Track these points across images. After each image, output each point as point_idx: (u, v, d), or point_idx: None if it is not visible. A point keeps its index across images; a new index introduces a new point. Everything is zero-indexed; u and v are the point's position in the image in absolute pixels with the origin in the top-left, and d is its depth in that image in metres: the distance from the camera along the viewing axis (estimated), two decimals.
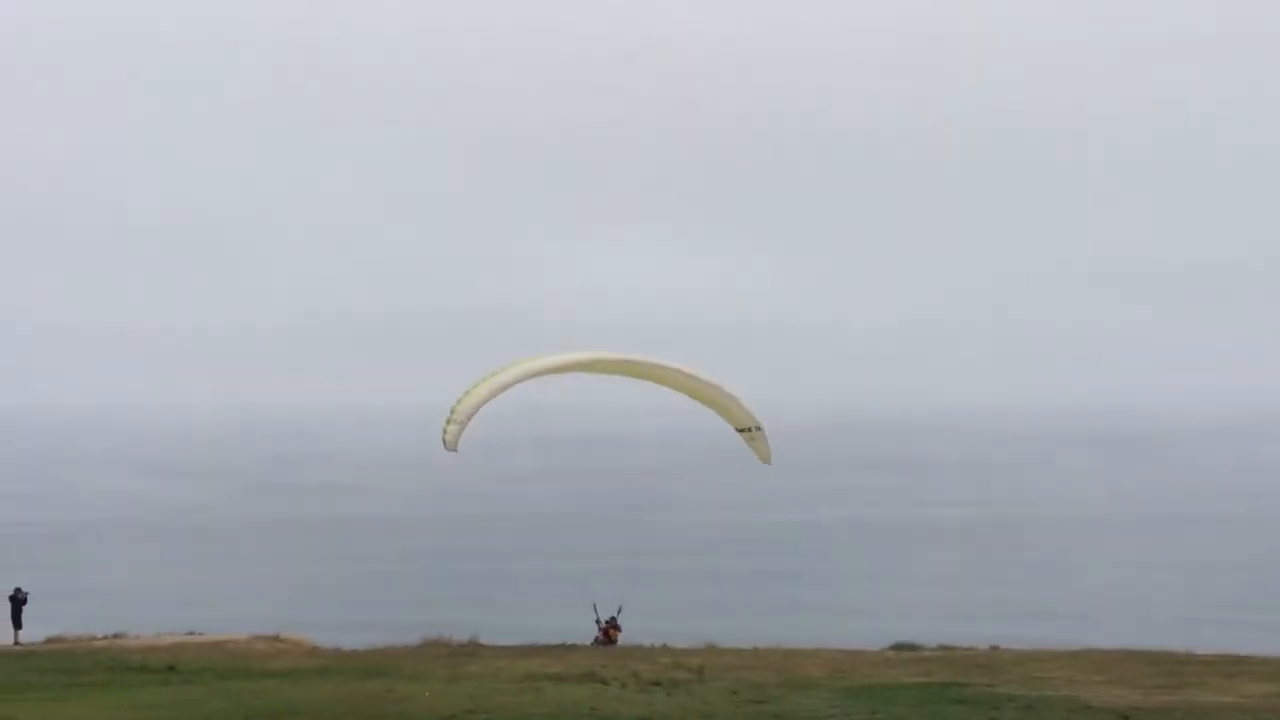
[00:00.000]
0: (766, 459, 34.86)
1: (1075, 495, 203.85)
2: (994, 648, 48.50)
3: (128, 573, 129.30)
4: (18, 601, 50.35)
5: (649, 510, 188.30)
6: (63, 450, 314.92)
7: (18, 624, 50.24)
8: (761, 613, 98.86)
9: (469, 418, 31.66)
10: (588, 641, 50.59)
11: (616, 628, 47.62)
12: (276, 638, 53.84)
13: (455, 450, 32.33)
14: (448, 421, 32.07)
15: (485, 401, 31.70)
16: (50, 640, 51.99)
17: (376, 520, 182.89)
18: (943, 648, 49.00)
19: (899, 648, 49.28)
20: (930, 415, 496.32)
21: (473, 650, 49.16)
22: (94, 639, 52.52)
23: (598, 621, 48.44)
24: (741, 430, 34.88)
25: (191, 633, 55.73)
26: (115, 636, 53.19)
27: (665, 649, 49.04)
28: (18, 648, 49.15)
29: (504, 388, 31.47)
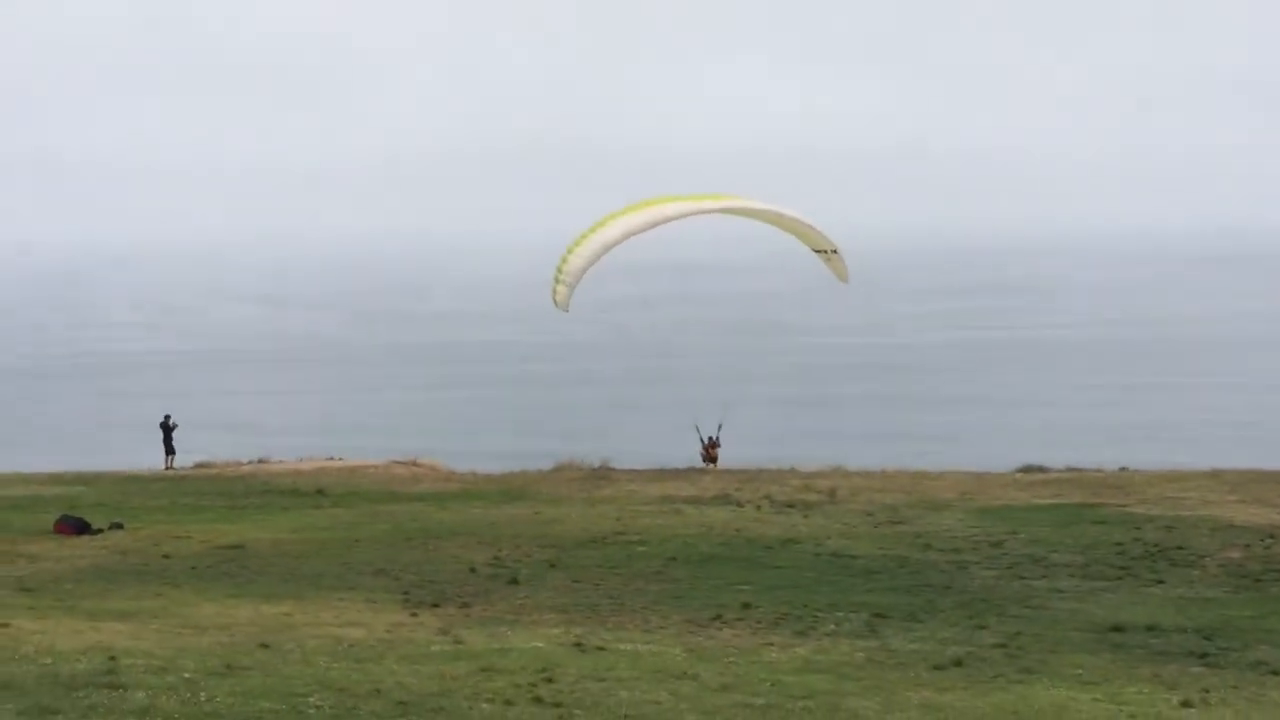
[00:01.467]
0: (844, 278, 35.12)
1: (1203, 315, 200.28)
2: (1123, 469, 48.41)
3: (254, 400, 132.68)
4: (168, 428, 52.15)
5: (756, 335, 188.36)
6: (185, 281, 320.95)
7: (170, 450, 52.08)
8: (882, 438, 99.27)
9: (578, 279, 31.93)
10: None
11: (717, 445, 48.10)
12: (413, 463, 55.30)
13: (567, 310, 32.68)
14: (556, 281, 32.33)
15: (592, 263, 31.93)
16: (199, 465, 53.95)
17: (497, 346, 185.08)
18: (1070, 469, 49.06)
19: (1026, 469, 49.35)
20: (1057, 237, 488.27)
21: (605, 474, 50.26)
22: (240, 464, 54.31)
23: (701, 441, 49.02)
24: (819, 252, 35.24)
25: (331, 458, 57.26)
26: (260, 462, 54.81)
27: (793, 472, 49.83)
28: (170, 472, 50.99)
29: (607, 248, 31.58)
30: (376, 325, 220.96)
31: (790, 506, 40.76)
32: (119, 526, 35.04)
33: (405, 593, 26.31)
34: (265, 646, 19.09)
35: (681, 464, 53.15)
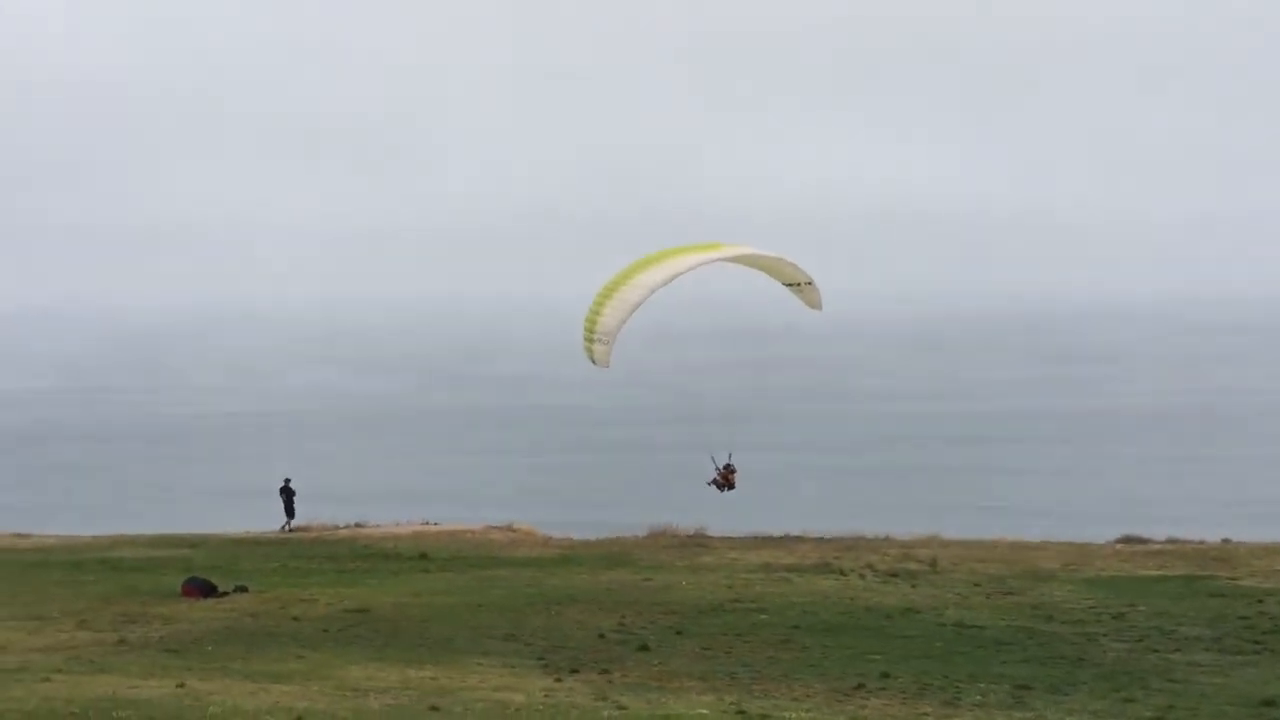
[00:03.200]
0: (818, 306, 35.27)
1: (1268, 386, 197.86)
2: (1226, 541, 48.03)
3: (331, 463, 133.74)
4: (290, 492, 53.04)
5: (831, 401, 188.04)
6: (261, 345, 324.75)
7: (291, 513, 52.95)
8: (961, 507, 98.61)
9: (614, 336, 31.71)
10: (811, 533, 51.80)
11: (733, 470, 47.10)
12: (509, 527, 55.68)
13: (609, 366, 32.44)
14: (590, 341, 32.07)
15: (624, 320, 31.80)
16: (295, 529, 54.56)
17: (568, 411, 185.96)
18: (1171, 540, 48.68)
19: (1127, 540, 49.09)
20: (1133, 303, 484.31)
21: (702, 541, 50.43)
22: (337, 528, 54.86)
23: (716, 468, 48.27)
24: (792, 285, 34.86)
25: (426, 522, 57.71)
26: (357, 525, 55.37)
27: (889, 540, 49.82)
28: (286, 534, 51.75)
29: (635, 306, 31.42)
30: (449, 389, 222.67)
31: (894, 576, 40.69)
32: (243, 589, 35.57)
33: (540, 658, 26.52)
34: (435, 710, 19.34)
35: (775, 531, 53.47)
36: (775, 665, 25.95)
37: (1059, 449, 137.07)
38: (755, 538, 51.30)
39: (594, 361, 31.75)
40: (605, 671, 24.96)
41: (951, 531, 54.17)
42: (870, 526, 56.82)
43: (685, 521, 55.43)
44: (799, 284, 34.52)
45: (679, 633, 29.65)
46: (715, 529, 53.92)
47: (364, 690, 21.14)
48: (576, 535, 53.80)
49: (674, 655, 26.99)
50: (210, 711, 17.88)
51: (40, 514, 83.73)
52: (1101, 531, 54.83)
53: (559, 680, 23.88)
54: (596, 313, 31.45)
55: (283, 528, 53.07)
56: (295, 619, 30.67)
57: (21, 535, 53.14)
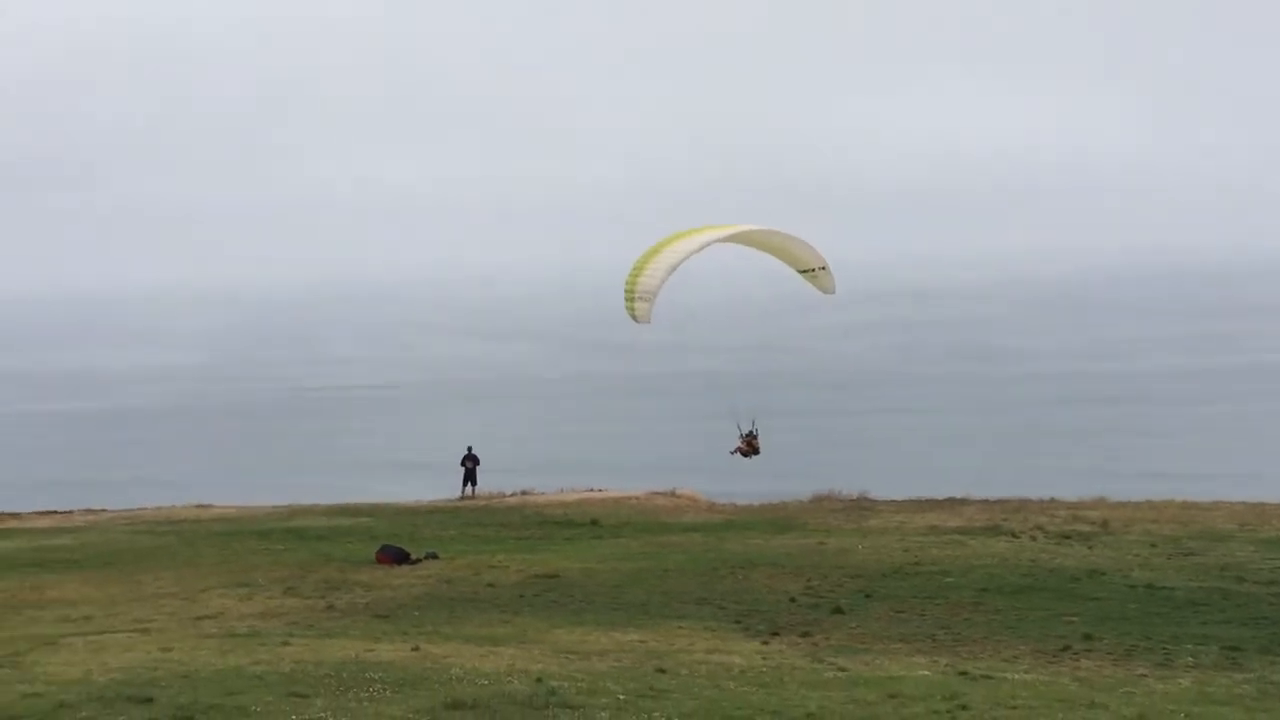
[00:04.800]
0: (831, 290, 36.13)
1: None
2: None
3: (483, 433, 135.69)
4: (474, 459, 54.35)
5: (978, 361, 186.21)
6: (395, 317, 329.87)
7: (473, 481, 54.23)
8: (1120, 472, 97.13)
9: (655, 296, 33.59)
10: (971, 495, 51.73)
11: (755, 437, 46.82)
12: (673, 493, 56.32)
13: (649, 322, 34.11)
14: (632, 299, 33.86)
15: (663, 282, 33.59)
16: (464, 498, 55.71)
17: (704, 376, 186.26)
18: None
19: None
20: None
21: (866, 505, 50.59)
22: (504, 495, 55.92)
23: (740, 434, 48.06)
24: (804, 271, 35.81)
25: (591, 489, 58.54)
26: (524, 493, 56.40)
27: (1054, 502, 49.54)
28: (466, 501, 53.05)
29: (672, 268, 33.41)
30: (583, 355, 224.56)
31: (1066, 538, 40.44)
32: (434, 556, 36.55)
33: (737, 621, 26.94)
34: (662, 671, 19.83)
35: (936, 494, 53.46)
36: (972, 627, 26.07)
37: (1212, 409, 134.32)
38: (918, 500, 51.44)
39: (635, 318, 33.89)
40: (807, 634, 25.28)
41: (1114, 493, 53.77)
42: (1023, 488, 56.64)
43: (842, 485, 55.76)
44: (813, 269, 35.64)
45: (868, 596, 29.89)
46: (877, 492, 54.17)
47: (582, 653, 21.68)
48: (739, 501, 54.35)
49: (869, 618, 27.24)
50: (453, 673, 18.50)
51: (203, 486, 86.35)
52: (1266, 492, 53.87)
53: (765, 643, 24.26)
54: (638, 273, 33.71)
55: (460, 496, 54.32)
56: (490, 585, 31.45)
57: (204, 506, 54.98)
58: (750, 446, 46.90)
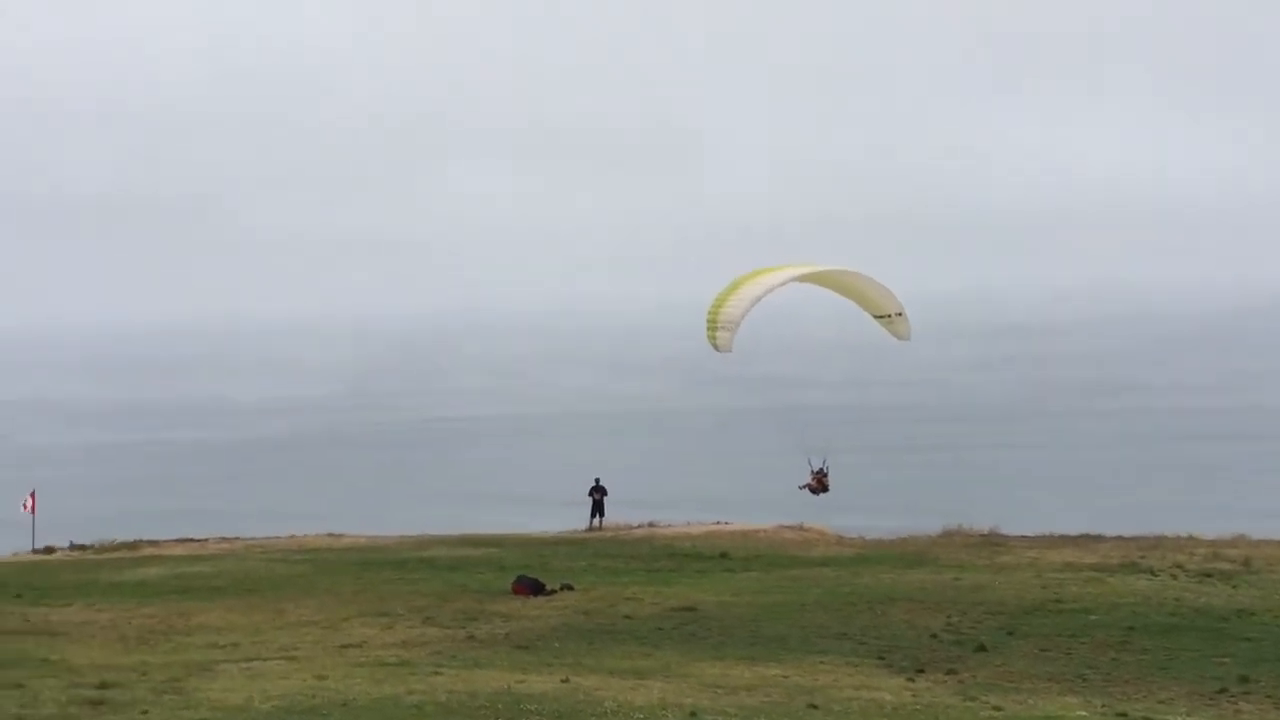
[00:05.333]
0: (907, 337, 36.99)
1: None
2: None
3: (606, 466, 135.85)
4: (602, 491, 54.56)
5: (1108, 395, 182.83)
6: (519, 348, 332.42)
7: (600, 513, 54.42)
8: (1245, 504, 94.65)
9: (737, 325, 34.67)
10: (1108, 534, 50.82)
11: (825, 474, 45.72)
12: (801, 527, 55.91)
13: (730, 350, 35.24)
14: (714, 329, 35.01)
15: (746, 313, 34.63)
16: (591, 529, 55.81)
17: (831, 411, 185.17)
18: None
19: None
20: None
21: (998, 541, 49.81)
22: (631, 527, 55.94)
23: (810, 470, 47.60)
24: (880, 317, 36.61)
25: (718, 522, 58.34)
26: (650, 525, 56.38)
27: (1193, 539, 48.40)
28: (593, 533, 53.22)
29: (756, 300, 34.49)
30: (708, 389, 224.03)
31: (1208, 576, 39.49)
32: (569, 587, 36.68)
33: (879, 657, 26.68)
34: (814, 708, 19.70)
35: (1069, 530, 52.54)
36: (1121, 667, 25.57)
37: None
38: (1051, 536, 50.59)
39: (716, 348, 35.30)
40: (952, 671, 24.96)
41: (1251, 530, 52.47)
42: (1156, 524, 55.40)
43: (970, 520, 55.01)
44: (889, 315, 36.28)
45: (1010, 633, 29.42)
46: (1007, 527, 53.35)
47: (729, 688, 21.60)
48: (868, 535, 53.88)
49: (1014, 656, 26.82)
50: (606, 706, 18.53)
51: (331, 516, 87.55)
52: None
53: (911, 680, 24.00)
54: (721, 304, 34.99)
55: (588, 527, 54.49)
56: (627, 617, 31.47)
57: (335, 535, 55.68)
58: (820, 484, 47.19)
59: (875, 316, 36.68)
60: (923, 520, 60.92)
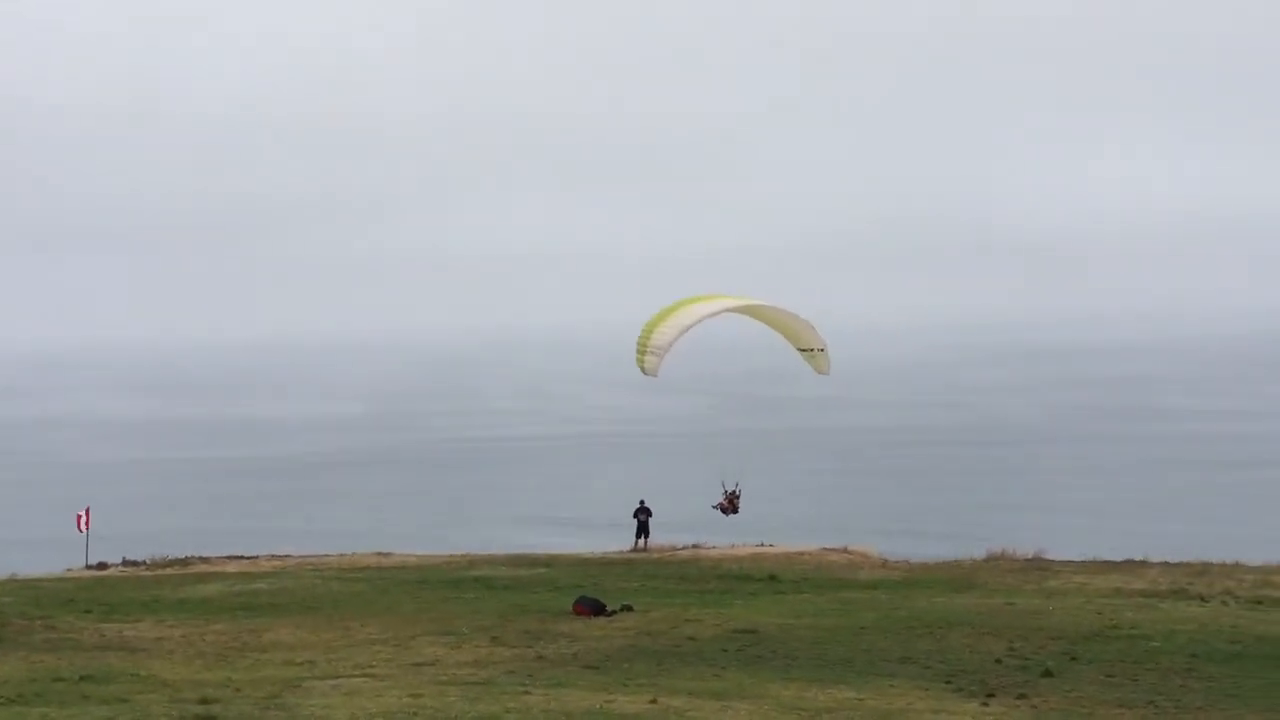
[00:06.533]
0: (825, 370, 38.50)
1: None
2: None
3: (642, 488, 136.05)
4: (647, 512, 54.86)
5: (1144, 421, 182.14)
6: (556, 368, 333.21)
7: (646, 534, 54.70)
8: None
9: (665, 351, 35.55)
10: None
11: (737, 496, 49.64)
12: (845, 549, 56.09)
13: (657, 376, 36.31)
14: (643, 353, 35.95)
15: (674, 340, 35.58)
16: (636, 550, 56.07)
17: (858, 433, 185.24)
18: None
19: None
20: None
21: (1042, 565, 49.97)
22: (675, 549, 56.18)
23: (724, 491, 49.82)
24: (803, 350, 37.95)
25: (761, 544, 58.50)
26: (695, 547, 56.61)
27: (1239, 566, 48.51)
28: (637, 554, 53.49)
29: (684, 329, 35.55)
30: (742, 411, 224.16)
31: (1258, 603, 39.64)
32: (629, 609, 37.01)
33: (947, 681, 26.91)
34: None
35: (1115, 557, 52.62)
36: (1190, 694, 25.75)
37: None
38: (1096, 562, 50.74)
39: (644, 371, 36.30)
40: (1023, 696, 25.19)
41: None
42: (1198, 551, 55.43)
43: (1010, 544, 55.12)
44: (812, 350, 37.80)
45: (1073, 659, 29.61)
46: (1048, 552, 53.46)
47: (809, 710, 21.89)
48: (912, 559, 54.03)
49: (1081, 682, 27.02)
50: None
51: (370, 535, 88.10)
52: None
53: (984, 705, 24.26)
54: (650, 331, 36.10)
55: (633, 548, 54.78)
56: (690, 639, 31.74)
57: (383, 554, 56.08)
58: (731, 505, 48.96)
59: (799, 349, 38.47)
60: (961, 544, 60.97)
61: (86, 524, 54.41)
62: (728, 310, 35.91)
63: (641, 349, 35.92)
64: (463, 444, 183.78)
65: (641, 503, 55.39)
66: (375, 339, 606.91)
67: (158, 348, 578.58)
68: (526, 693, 21.72)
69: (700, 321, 35.43)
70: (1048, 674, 27.78)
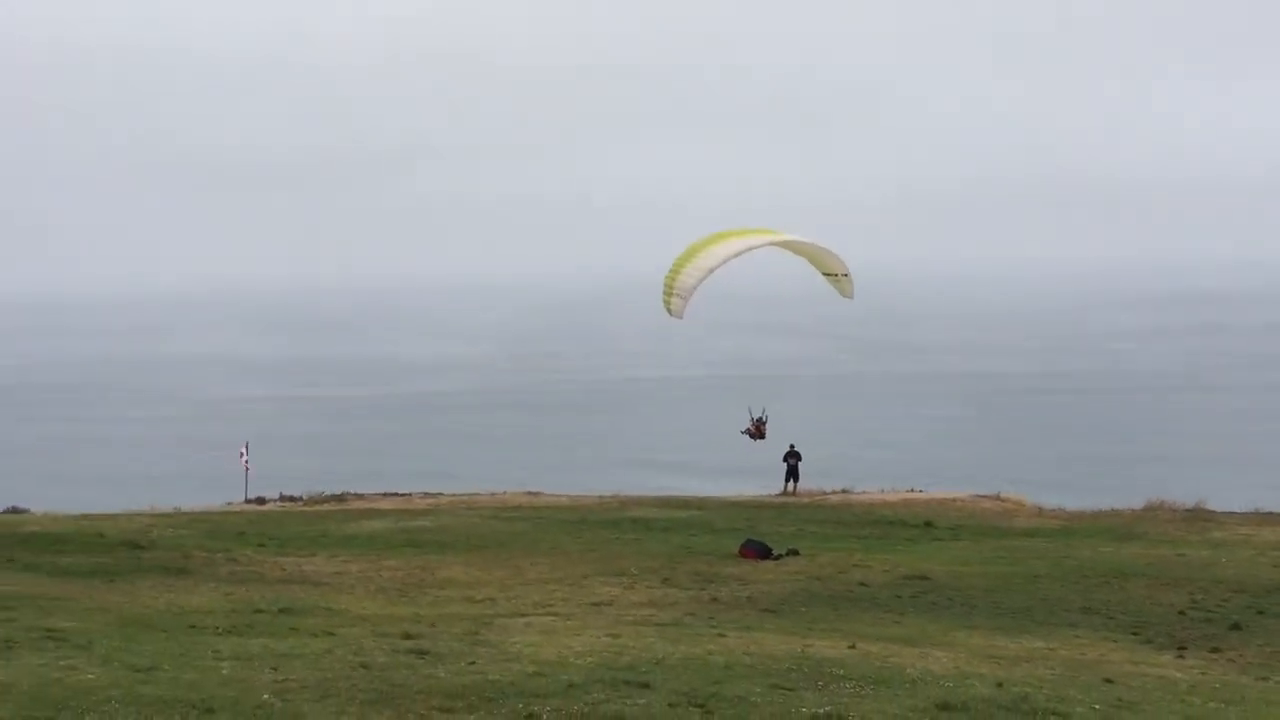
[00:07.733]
0: (850, 295, 39.01)
1: None
2: None
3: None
4: (796, 456, 54.77)
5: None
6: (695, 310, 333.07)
7: (795, 477, 54.61)
8: None
9: (691, 293, 35.89)
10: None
11: (764, 422, 51.01)
12: (998, 497, 55.44)
13: (681, 318, 36.76)
14: (669, 295, 36.12)
15: (701, 281, 35.78)
16: (786, 494, 55.86)
17: (991, 378, 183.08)
18: None
19: None
20: None
21: (1205, 516, 48.90)
22: (825, 493, 55.88)
23: (751, 419, 50.96)
24: (829, 275, 38.50)
25: (911, 489, 58.05)
26: (844, 491, 56.19)
27: None
28: (789, 498, 53.51)
29: (710, 270, 35.58)
30: (864, 354, 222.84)
31: None
32: (795, 553, 36.92)
33: (1133, 632, 26.45)
34: (1110, 682, 19.58)
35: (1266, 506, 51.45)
36: None
37: None
38: (1260, 513, 49.64)
39: (671, 313, 36.65)
40: (1217, 650, 24.66)
41: None
42: None
43: (1149, 494, 54.06)
44: (836, 275, 38.23)
45: (1260, 612, 28.94)
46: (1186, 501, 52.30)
47: (1006, 658, 21.56)
48: (1067, 507, 53.18)
49: (1275, 636, 26.42)
50: (909, 674, 18.64)
51: (496, 478, 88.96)
52: None
53: (1180, 657, 23.80)
54: (676, 273, 36.15)
55: (782, 491, 54.74)
56: (862, 584, 31.53)
57: (533, 493, 56.49)
58: (759, 431, 50.54)
59: (825, 274, 38.54)
60: (1110, 495, 59.78)
61: (246, 459, 55.59)
62: (751, 249, 36.22)
63: (668, 291, 36.36)
64: (593, 386, 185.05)
65: (791, 446, 55.20)
66: (503, 281, 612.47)
67: (289, 287, 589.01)
68: (721, 635, 21.67)
69: (724, 263, 35.78)
70: (1236, 627, 27.18)
